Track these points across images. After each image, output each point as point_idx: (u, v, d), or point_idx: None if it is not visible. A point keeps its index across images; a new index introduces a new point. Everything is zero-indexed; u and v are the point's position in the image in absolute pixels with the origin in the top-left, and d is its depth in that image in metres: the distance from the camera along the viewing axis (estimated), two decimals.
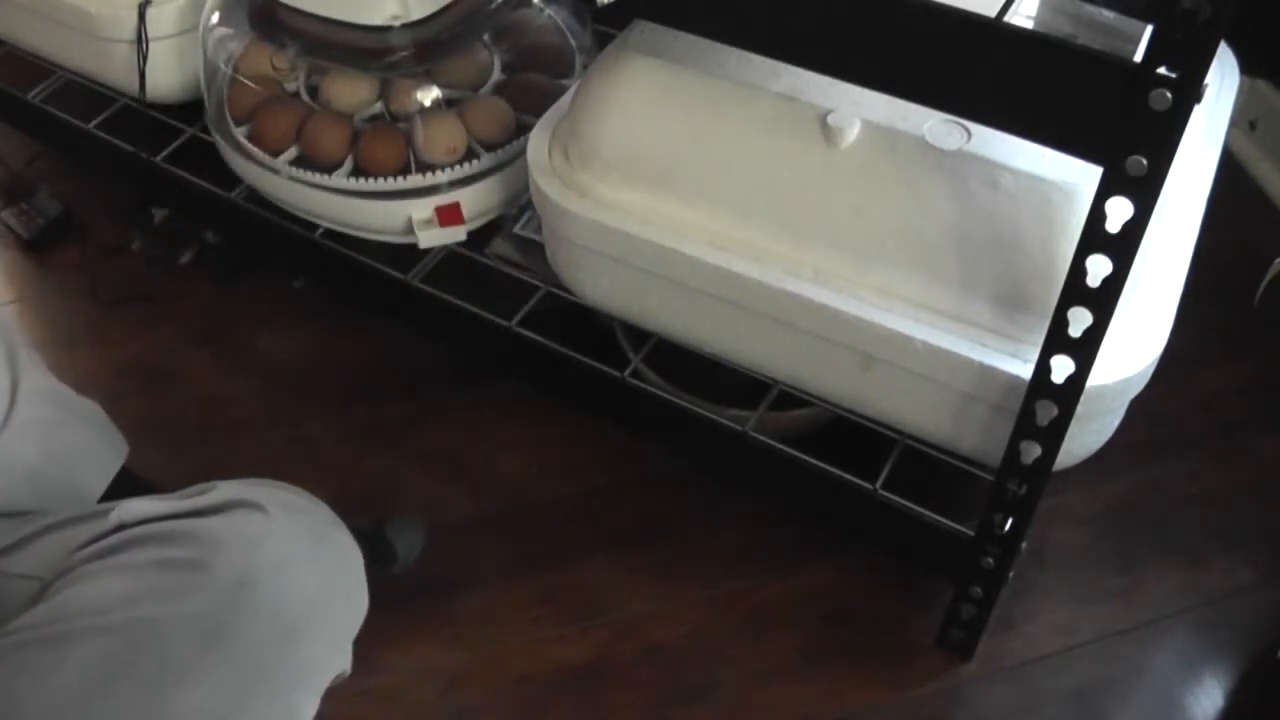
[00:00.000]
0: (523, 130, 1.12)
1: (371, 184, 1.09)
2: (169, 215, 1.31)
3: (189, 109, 1.27)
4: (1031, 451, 0.84)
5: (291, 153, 1.12)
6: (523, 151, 1.07)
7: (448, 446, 1.18)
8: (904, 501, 0.94)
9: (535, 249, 1.11)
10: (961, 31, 0.69)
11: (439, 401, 1.22)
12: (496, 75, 1.16)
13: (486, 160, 1.10)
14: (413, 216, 1.09)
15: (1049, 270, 0.80)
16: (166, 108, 1.27)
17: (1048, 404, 0.80)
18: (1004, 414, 0.84)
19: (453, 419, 1.20)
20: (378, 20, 1.06)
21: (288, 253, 1.21)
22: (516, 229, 1.14)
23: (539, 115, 1.08)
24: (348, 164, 1.10)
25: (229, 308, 1.32)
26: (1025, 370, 0.81)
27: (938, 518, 0.94)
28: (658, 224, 0.93)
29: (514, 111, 1.14)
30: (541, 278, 1.09)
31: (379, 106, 1.14)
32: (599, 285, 1.00)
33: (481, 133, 1.11)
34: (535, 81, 1.17)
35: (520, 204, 1.14)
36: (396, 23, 1.06)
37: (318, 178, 1.10)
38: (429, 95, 1.10)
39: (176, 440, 1.19)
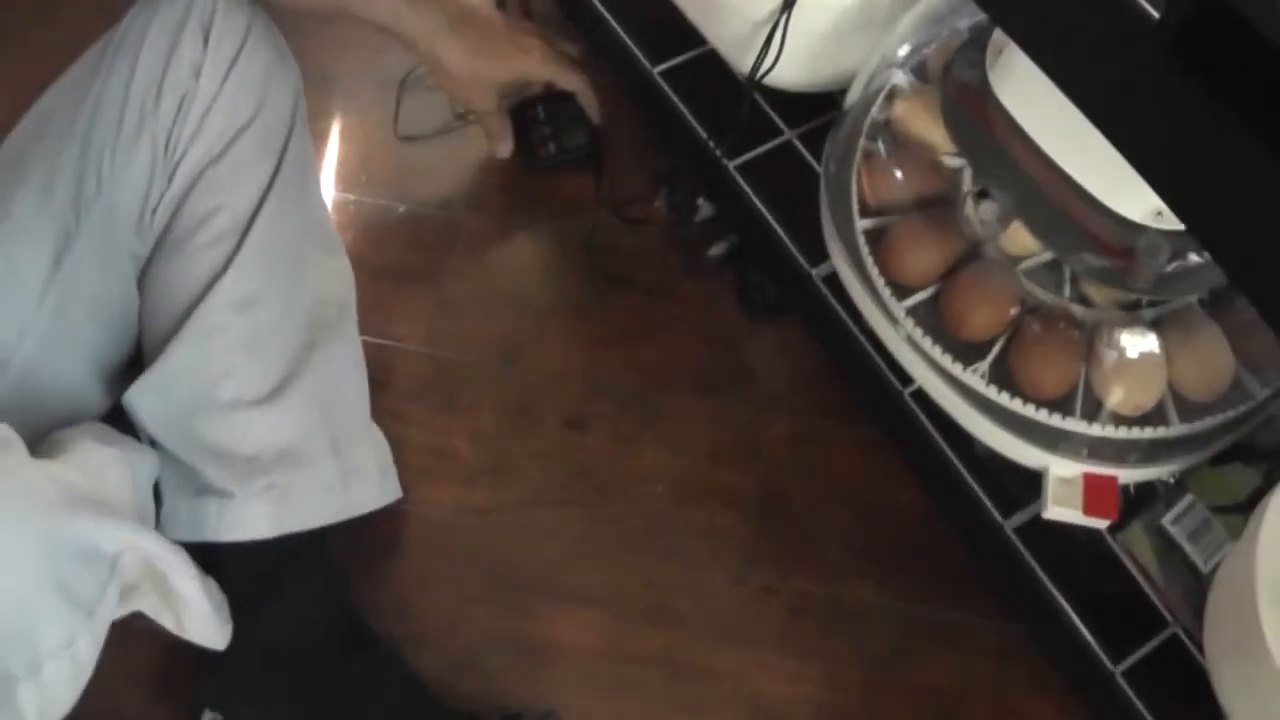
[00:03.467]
0: (1237, 391, 0.79)
1: (1012, 403, 0.79)
2: (715, 216, 1.05)
3: (793, 101, 0.97)
4: None
5: (922, 296, 0.83)
6: (1228, 424, 0.77)
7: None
8: None
9: (1177, 560, 0.80)
10: None
11: (954, 627, 0.93)
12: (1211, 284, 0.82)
13: (1178, 429, 0.78)
14: (1050, 470, 0.80)
15: None
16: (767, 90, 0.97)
17: None
18: None
19: (964, 662, 0.92)
20: (1133, 212, 0.72)
21: (860, 390, 0.94)
22: (1165, 520, 0.83)
23: (1261, 366, 0.76)
24: (992, 354, 0.81)
25: (752, 338, 1.05)
26: None
27: None
28: None
29: (1231, 355, 0.80)
30: (1169, 604, 0.80)
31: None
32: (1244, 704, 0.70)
33: (1185, 384, 0.79)
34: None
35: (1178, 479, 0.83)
36: (1156, 223, 0.72)
37: (946, 359, 0.81)
38: (1139, 341, 0.77)
39: (616, 543, 0.96)
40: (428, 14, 0.94)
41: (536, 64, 1.01)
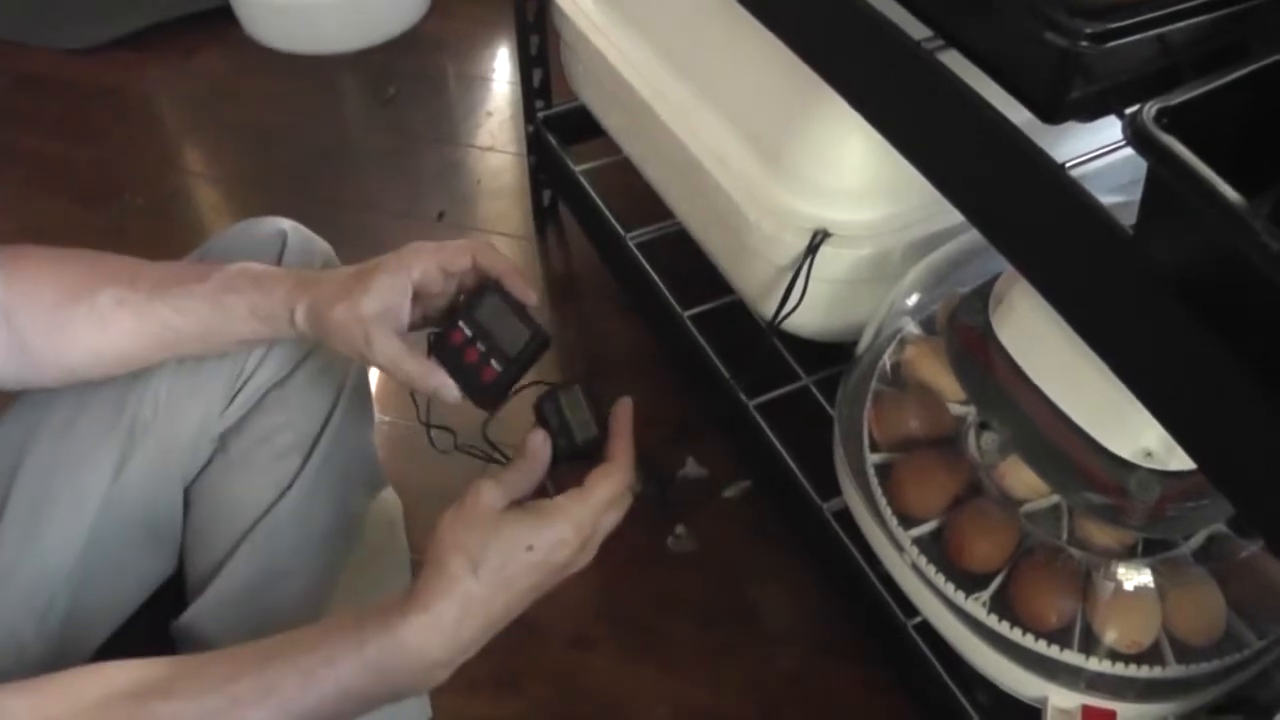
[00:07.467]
0: (1231, 639, 0.82)
1: (1013, 633, 0.82)
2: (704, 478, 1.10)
3: (810, 351, 1.05)
4: None
5: (928, 527, 0.87)
6: (1224, 670, 0.79)
7: None
8: None
9: None
10: None
11: None
12: (1202, 535, 0.86)
13: (1173, 671, 0.80)
14: (1049, 701, 0.81)
15: None
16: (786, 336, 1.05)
17: None
18: None
19: None
20: (1124, 450, 0.78)
21: (864, 622, 0.96)
22: None
23: (1256, 616, 0.78)
24: (994, 585, 0.84)
25: (759, 575, 1.08)
26: None
27: None
28: None
29: (1225, 603, 0.83)
30: None
31: (1055, 499, 0.87)
32: None
33: (1180, 627, 0.81)
34: (1261, 566, 0.86)
35: None
36: (1147, 463, 0.78)
37: (949, 589, 0.84)
38: (1134, 579, 0.81)
39: None
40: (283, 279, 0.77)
41: (417, 252, 0.74)
